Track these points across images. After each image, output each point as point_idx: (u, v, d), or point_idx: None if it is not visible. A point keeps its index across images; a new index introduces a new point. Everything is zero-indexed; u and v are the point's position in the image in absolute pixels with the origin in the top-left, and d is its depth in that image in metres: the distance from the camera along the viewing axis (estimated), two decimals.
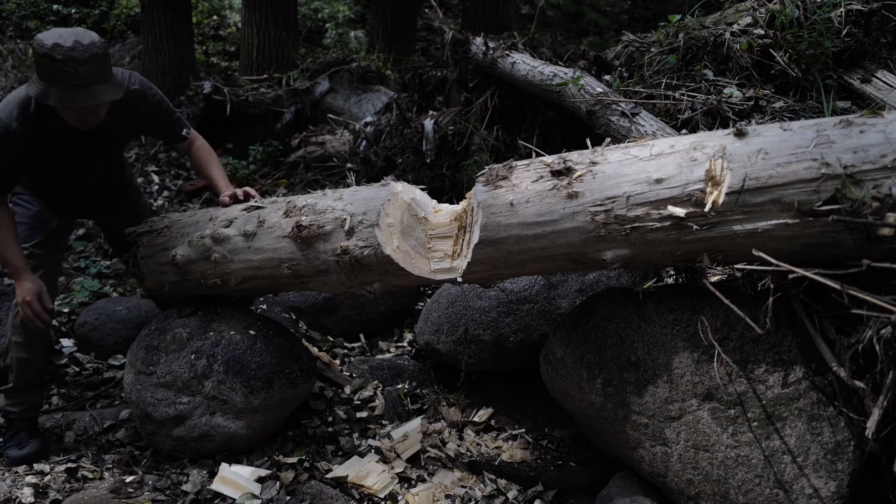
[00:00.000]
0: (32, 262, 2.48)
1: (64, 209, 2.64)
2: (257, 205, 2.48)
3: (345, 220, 2.23)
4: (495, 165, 2.11)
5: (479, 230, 2.01)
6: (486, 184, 2.04)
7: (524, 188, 1.98)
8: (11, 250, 2.36)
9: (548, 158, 2.04)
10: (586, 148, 2.09)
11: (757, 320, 1.92)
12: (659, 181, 1.82)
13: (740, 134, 1.78)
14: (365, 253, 2.18)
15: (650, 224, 1.84)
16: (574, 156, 2.01)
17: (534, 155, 2.10)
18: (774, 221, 1.71)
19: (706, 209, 1.74)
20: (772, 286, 1.86)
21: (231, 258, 2.45)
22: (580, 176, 1.93)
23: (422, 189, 2.42)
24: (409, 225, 2.24)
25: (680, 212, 1.78)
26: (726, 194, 1.72)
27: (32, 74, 2.21)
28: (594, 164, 1.94)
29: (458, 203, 2.34)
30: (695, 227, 1.78)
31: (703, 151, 1.80)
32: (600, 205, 1.88)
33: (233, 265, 2.46)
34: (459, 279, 2.17)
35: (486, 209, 2.00)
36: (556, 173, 1.96)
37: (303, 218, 2.30)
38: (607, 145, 2.02)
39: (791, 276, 1.75)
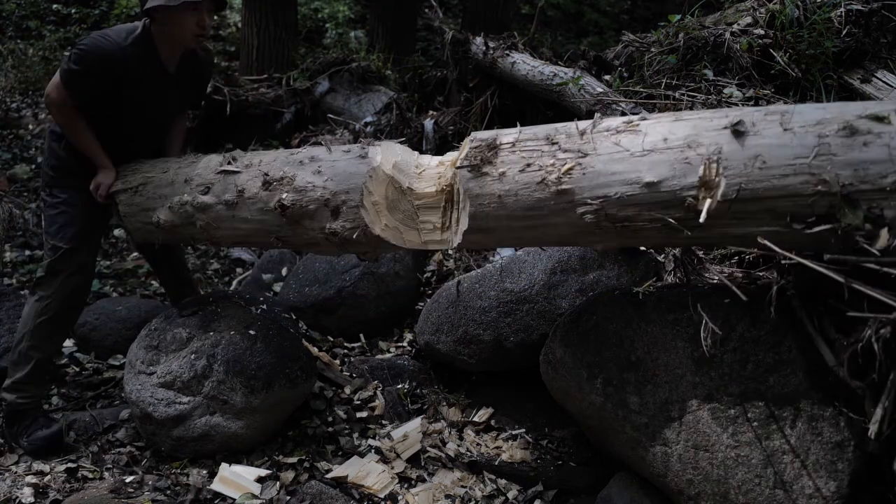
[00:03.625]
0: (80, 258, 2.57)
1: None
2: (231, 169, 2.38)
3: (328, 199, 2.16)
4: (478, 138, 1.99)
5: (469, 218, 1.97)
6: (471, 169, 1.94)
7: (511, 178, 1.90)
8: (92, 149, 2.54)
9: (532, 143, 1.92)
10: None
11: (756, 318, 1.93)
12: (650, 184, 1.73)
13: (738, 133, 1.68)
14: (354, 235, 2.14)
15: (641, 224, 1.79)
16: (563, 138, 1.88)
17: (518, 125, 1.99)
18: (766, 228, 1.67)
19: (700, 219, 1.67)
20: (775, 274, 1.85)
21: (217, 225, 2.41)
22: (569, 169, 1.83)
23: (401, 142, 2.34)
24: (394, 199, 2.16)
25: (672, 219, 1.74)
26: (720, 202, 1.66)
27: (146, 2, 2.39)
28: (584, 155, 1.83)
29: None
30: (686, 232, 1.75)
31: (697, 151, 1.71)
32: (590, 203, 1.81)
33: (220, 231, 2.43)
34: (451, 252, 2.12)
35: (473, 198, 1.94)
36: (544, 167, 1.87)
37: (284, 195, 2.22)
38: (597, 125, 1.88)
39: (786, 262, 1.72)
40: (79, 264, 2.56)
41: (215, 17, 8.27)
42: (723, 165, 1.67)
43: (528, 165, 1.88)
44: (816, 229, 1.60)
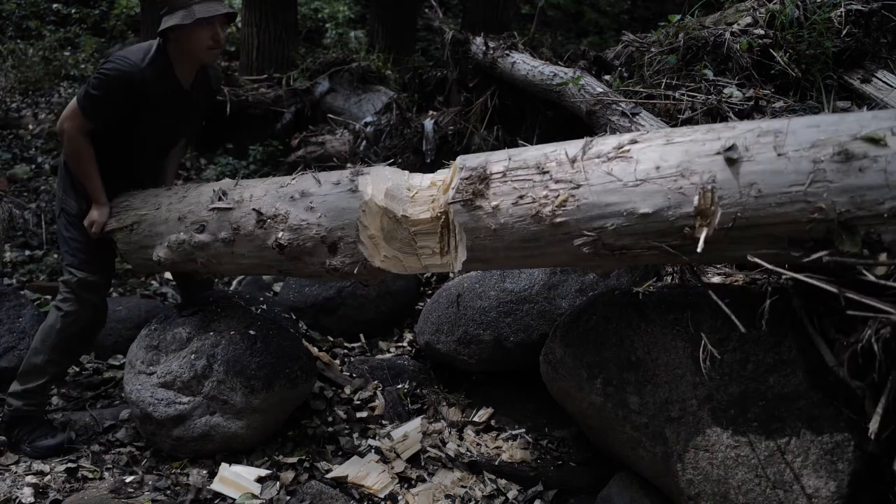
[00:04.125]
0: (99, 277, 2.60)
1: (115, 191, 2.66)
2: (223, 206, 2.37)
3: (324, 236, 2.16)
4: (468, 166, 1.96)
5: (466, 249, 1.98)
6: (464, 204, 1.93)
7: (505, 212, 1.88)
8: (93, 182, 2.55)
9: (523, 171, 1.90)
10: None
11: (755, 320, 1.92)
12: (646, 215, 1.71)
13: (731, 161, 1.63)
14: (355, 270, 2.15)
15: (639, 251, 1.79)
16: (553, 167, 1.85)
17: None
18: (763, 251, 1.66)
19: (698, 249, 1.65)
20: (769, 289, 1.85)
21: (218, 261, 2.43)
22: (563, 201, 1.81)
23: (389, 165, 2.33)
24: (390, 229, 2.14)
25: (669, 247, 1.73)
26: (716, 229, 1.65)
27: (163, 17, 2.47)
28: (576, 186, 1.80)
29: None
30: (683, 257, 1.75)
31: (690, 180, 1.66)
32: (587, 234, 1.80)
33: (222, 266, 2.46)
34: (453, 275, 2.14)
35: (469, 231, 1.94)
36: (536, 199, 1.85)
37: (280, 234, 2.22)
38: (587, 152, 1.84)
39: (784, 277, 1.73)
40: (99, 287, 2.61)
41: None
42: (718, 195, 1.64)
43: (521, 197, 1.87)
44: (814, 256, 1.58)
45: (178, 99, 2.56)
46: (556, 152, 1.88)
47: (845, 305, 1.61)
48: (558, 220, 1.81)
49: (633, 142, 1.80)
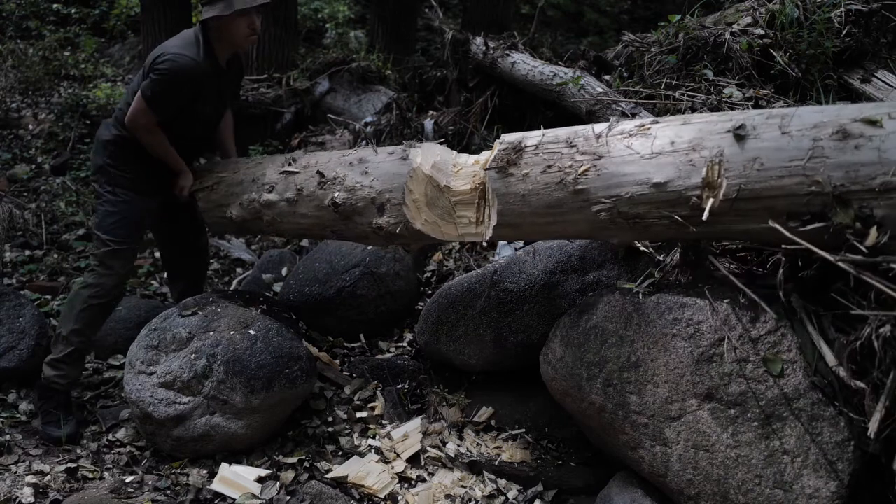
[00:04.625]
0: (129, 254, 2.80)
1: (163, 180, 2.86)
2: (292, 170, 2.66)
3: (374, 197, 2.40)
4: (507, 140, 2.17)
5: (497, 214, 2.16)
6: (498, 171, 2.13)
7: (534, 179, 2.07)
8: (173, 157, 2.79)
9: (553, 145, 2.07)
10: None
11: (756, 318, 1.92)
12: (658, 185, 1.87)
13: (739, 137, 1.78)
14: (398, 230, 2.37)
15: (651, 220, 1.92)
16: (581, 141, 2.03)
17: (542, 128, 2.16)
18: (765, 225, 1.76)
19: (703, 217, 1.78)
20: (783, 259, 1.89)
21: (281, 220, 2.69)
22: (585, 171, 1.98)
23: (440, 143, 2.57)
24: (433, 196, 2.36)
25: (678, 216, 1.86)
26: (721, 200, 1.78)
27: (203, 8, 2.60)
28: (598, 157, 1.98)
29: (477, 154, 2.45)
30: (692, 228, 1.86)
31: (701, 154, 1.82)
32: (605, 201, 1.96)
33: (283, 225, 2.73)
34: (485, 242, 2.45)
35: (500, 197, 2.14)
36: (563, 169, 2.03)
37: (336, 194, 2.48)
38: (612, 129, 2.01)
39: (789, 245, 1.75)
40: (127, 259, 2.80)
41: None
42: (724, 167, 1.78)
43: (549, 167, 2.06)
44: (810, 227, 1.68)
45: (220, 82, 2.77)
46: (585, 129, 2.08)
47: (849, 296, 1.64)
48: (580, 187, 1.99)
49: (655, 122, 1.99)
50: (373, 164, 2.47)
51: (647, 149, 1.91)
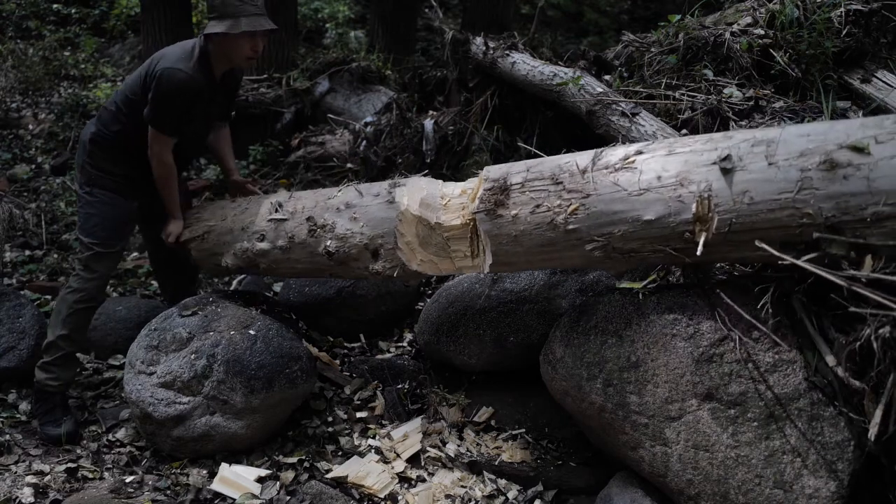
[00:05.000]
0: (112, 257, 2.77)
1: (142, 181, 2.79)
2: (279, 217, 2.65)
3: (366, 244, 2.41)
4: (490, 178, 2.14)
5: (491, 254, 2.17)
6: (487, 213, 2.13)
7: (524, 219, 2.06)
8: (175, 196, 2.82)
9: (539, 182, 2.06)
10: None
11: (756, 318, 1.93)
12: (649, 222, 1.87)
13: (725, 170, 1.75)
14: (395, 273, 2.39)
15: (647, 253, 1.94)
16: (566, 178, 2.01)
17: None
18: (759, 254, 1.77)
19: (697, 252, 1.78)
20: (774, 276, 1.88)
21: (277, 266, 2.72)
22: (574, 210, 1.98)
23: (425, 175, 2.55)
24: (425, 235, 2.36)
25: (672, 250, 1.88)
26: (714, 233, 1.78)
27: (210, 21, 2.58)
28: (586, 196, 1.96)
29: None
30: (687, 259, 1.88)
31: (689, 189, 1.81)
32: (597, 239, 1.96)
33: (281, 269, 2.76)
34: (483, 274, 2.46)
35: (492, 238, 2.14)
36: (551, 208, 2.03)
37: (328, 242, 2.49)
38: (597, 163, 1.98)
39: (782, 262, 1.75)
40: (111, 261, 2.78)
41: None
42: (714, 202, 1.77)
43: (538, 206, 2.05)
44: (805, 258, 1.67)
45: (213, 95, 2.73)
46: (570, 163, 2.05)
47: (849, 296, 1.63)
48: (571, 226, 1.98)
49: (639, 153, 1.95)
50: (360, 209, 2.46)
51: (634, 185, 1.89)
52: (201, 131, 2.87)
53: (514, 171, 2.14)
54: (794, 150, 1.68)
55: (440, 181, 2.46)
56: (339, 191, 2.59)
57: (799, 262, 1.68)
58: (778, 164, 1.69)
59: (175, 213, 2.85)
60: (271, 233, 2.66)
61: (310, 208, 2.59)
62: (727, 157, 1.75)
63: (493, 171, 2.19)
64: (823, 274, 1.65)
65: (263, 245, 2.67)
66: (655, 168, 1.88)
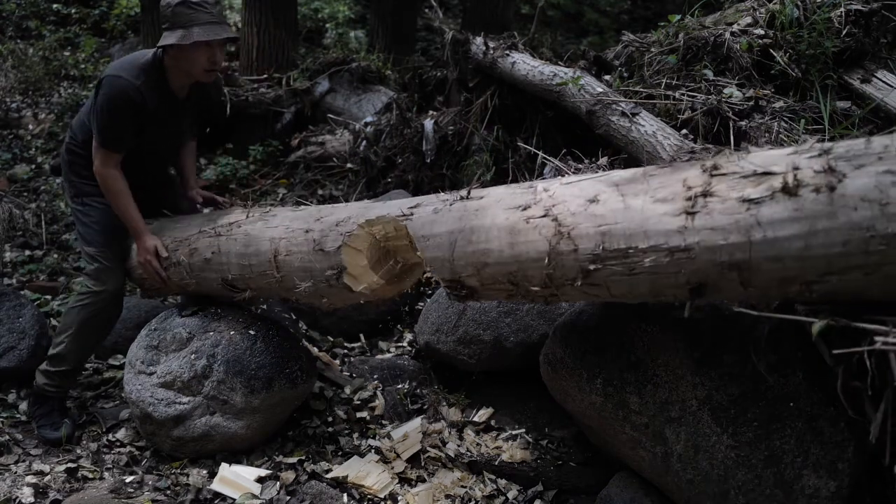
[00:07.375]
0: (110, 263, 2.66)
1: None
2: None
3: None
4: None
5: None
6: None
7: None
8: (131, 212, 2.58)
9: None
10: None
11: (757, 318, 1.92)
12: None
13: None
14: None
15: None
16: None
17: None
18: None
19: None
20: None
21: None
22: None
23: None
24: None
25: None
26: None
27: (164, 32, 2.42)
28: None
29: None
30: None
31: None
32: None
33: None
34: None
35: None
36: None
37: None
38: None
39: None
40: (116, 268, 2.69)
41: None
42: None
43: None
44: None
45: (172, 109, 2.59)
46: None
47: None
48: None
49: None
50: None
51: None
52: (160, 147, 2.71)
53: None
54: None
55: None
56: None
57: (781, 316, 1.62)
58: None
59: (141, 230, 2.62)
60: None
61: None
62: None
63: None
64: (799, 319, 1.62)
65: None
66: None
